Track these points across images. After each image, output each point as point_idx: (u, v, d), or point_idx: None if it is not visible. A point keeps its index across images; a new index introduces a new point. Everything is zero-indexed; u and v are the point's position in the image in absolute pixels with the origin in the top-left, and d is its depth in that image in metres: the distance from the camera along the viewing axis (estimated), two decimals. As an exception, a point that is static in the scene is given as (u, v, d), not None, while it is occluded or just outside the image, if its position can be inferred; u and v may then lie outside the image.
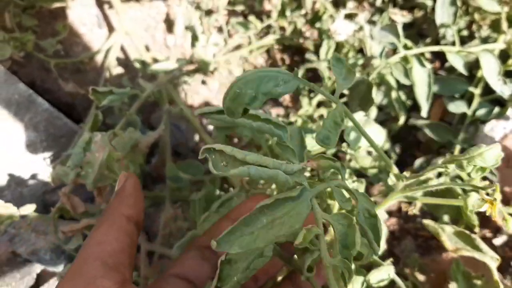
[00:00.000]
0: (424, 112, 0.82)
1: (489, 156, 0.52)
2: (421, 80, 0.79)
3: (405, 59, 0.80)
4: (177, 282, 0.50)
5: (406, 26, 1.29)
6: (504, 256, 1.09)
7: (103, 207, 1.02)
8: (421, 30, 1.25)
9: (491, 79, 0.78)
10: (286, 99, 1.32)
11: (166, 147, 1.09)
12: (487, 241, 1.10)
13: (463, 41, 1.12)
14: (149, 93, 0.90)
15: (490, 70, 0.78)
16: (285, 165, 0.40)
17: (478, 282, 0.85)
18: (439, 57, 1.24)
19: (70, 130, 1.11)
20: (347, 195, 0.46)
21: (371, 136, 0.91)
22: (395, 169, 0.53)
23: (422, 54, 0.80)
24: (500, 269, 1.07)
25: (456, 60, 0.79)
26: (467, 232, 0.68)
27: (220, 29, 1.32)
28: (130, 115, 0.90)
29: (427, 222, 0.71)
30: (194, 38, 1.06)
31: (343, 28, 1.07)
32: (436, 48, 0.81)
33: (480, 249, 0.69)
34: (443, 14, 0.95)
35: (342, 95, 1.18)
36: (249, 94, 0.44)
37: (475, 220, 0.70)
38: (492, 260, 0.69)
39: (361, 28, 1.06)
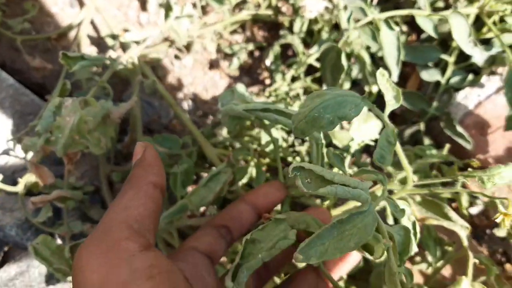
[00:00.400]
0: (394, 77, 0.81)
1: (507, 175, 0.60)
2: (390, 43, 0.78)
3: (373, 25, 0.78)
4: (196, 255, 0.52)
5: (382, 1, 1.28)
6: (480, 224, 1.09)
7: (72, 179, 1.00)
8: (398, 4, 1.24)
9: (462, 41, 0.77)
10: (264, 75, 1.31)
11: (137, 122, 1.07)
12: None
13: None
14: (120, 63, 0.87)
15: (460, 32, 0.77)
16: (361, 184, 0.44)
17: (450, 248, 0.84)
18: (415, 29, 1.23)
19: (37, 107, 1.09)
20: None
21: (370, 130, 0.91)
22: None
23: (392, 18, 0.79)
24: (476, 237, 1.08)
25: (426, 23, 0.78)
26: (437, 200, 0.67)
27: (194, 6, 1.29)
28: (102, 83, 0.88)
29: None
30: (168, 8, 1.03)
31: (314, 5, 1.06)
32: (405, 12, 0.80)
33: (449, 217, 0.68)
34: (416, -16, 0.94)
35: (315, 70, 1.17)
36: (327, 119, 0.46)
37: (466, 215, 0.77)
38: (461, 228, 0.69)
39: (334, 5, 1.05)
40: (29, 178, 0.93)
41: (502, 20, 1.00)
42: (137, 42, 1.05)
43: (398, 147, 0.57)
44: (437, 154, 0.90)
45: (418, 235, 0.64)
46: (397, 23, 1.19)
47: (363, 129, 0.91)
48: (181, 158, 1.03)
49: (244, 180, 0.96)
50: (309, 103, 0.48)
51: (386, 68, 0.87)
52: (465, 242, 0.72)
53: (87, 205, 1.03)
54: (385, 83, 0.54)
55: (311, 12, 1.01)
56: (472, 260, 0.70)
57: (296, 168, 0.43)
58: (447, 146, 0.92)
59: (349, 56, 1.13)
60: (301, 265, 0.65)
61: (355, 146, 0.89)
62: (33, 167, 0.84)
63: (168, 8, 1.04)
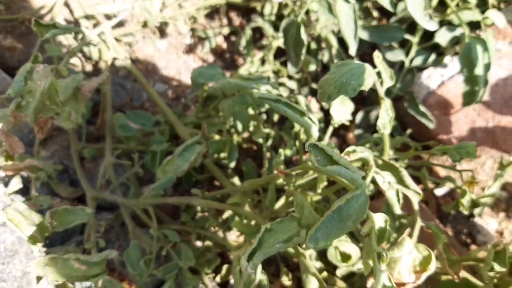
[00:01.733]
0: (352, 50, 0.83)
1: (472, 150, 0.74)
2: (346, 15, 0.80)
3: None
4: None
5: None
6: (446, 204, 1.10)
7: (44, 154, 1.02)
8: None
9: (416, 14, 0.79)
10: (237, 59, 1.33)
11: (107, 102, 1.09)
12: (430, 191, 1.11)
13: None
14: (93, 34, 0.89)
15: (415, 5, 0.80)
16: (358, 171, 0.52)
17: (405, 221, 0.86)
18: (386, 15, 1.25)
19: (9, 85, 1.10)
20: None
21: (346, 110, 0.95)
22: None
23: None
24: (441, 217, 1.09)
25: (382, -4, 0.80)
26: (397, 165, 0.69)
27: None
28: (74, 54, 0.90)
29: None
30: (140, -12, 1.06)
31: None
32: (362, -15, 0.82)
33: (404, 182, 0.69)
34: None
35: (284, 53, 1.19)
36: (353, 85, 0.53)
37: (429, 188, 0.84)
38: (414, 194, 0.70)
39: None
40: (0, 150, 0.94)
41: (464, 1, 1.02)
42: (109, 18, 1.06)
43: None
44: (400, 138, 0.93)
45: (401, 201, 0.68)
46: (367, 9, 1.22)
47: (341, 109, 0.94)
48: (154, 135, 1.05)
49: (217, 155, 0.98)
50: (335, 71, 0.55)
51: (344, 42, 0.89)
52: (416, 207, 0.73)
53: (56, 182, 1.04)
54: (380, 64, 0.61)
55: (278, -4, 1.03)
56: (419, 223, 0.71)
57: (311, 145, 0.52)
58: (408, 131, 0.94)
59: (318, 41, 1.15)
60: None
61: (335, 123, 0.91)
62: (4, 136, 0.85)
63: (140, -13, 1.06)
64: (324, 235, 0.52)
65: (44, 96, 0.78)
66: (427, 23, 0.84)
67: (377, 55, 0.65)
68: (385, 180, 0.61)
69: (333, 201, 0.83)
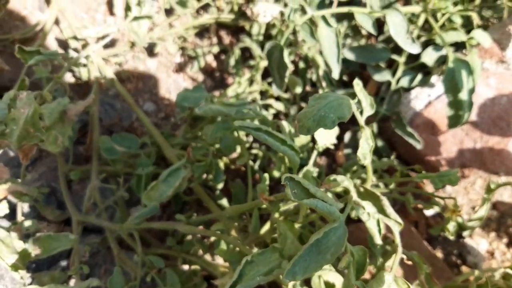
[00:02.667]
0: (335, 73, 0.83)
1: (454, 178, 0.75)
2: (328, 39, 0.80)
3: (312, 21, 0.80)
4: None
5: (344, 4, 1.31)
6: (435, 226, 1.09)
7: (29, 177, 1.02)
8: (360, 5, 1.26)
9: (399, 37, 0.79)
10: (227, 78, 1.33)
11: (95, 123, 1.09)
12: (419, 211, 1.10)
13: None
14: (77, 57, 0.89)
15: (397, 28, 0.80)
16: (336, 203, 0.53)
17: (389, 247, 0.85)
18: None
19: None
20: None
21: (330, 134, 0.95)
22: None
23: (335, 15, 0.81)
24: (431, 238, 1.08)
25: (364, 19, 0.81)
26: (378, 193, 0.68)
27: (159, 10, 1.32)
28: (58, 78, 0.90)
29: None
30: (127, 9, 1.06)
31: (266, 9, 1.08)
32: (345, 10, 0.82)
33: (385, 211, 0.69)
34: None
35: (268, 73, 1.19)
36: (331, 118, 0.54)
37: (412, 213, 0.84)
38: (395, 224, 0.69)
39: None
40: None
41: (450, 20, 1.02)
42: (96, 40, 1.07)
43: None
44: (386, 161, 0.93)
45: (382, 231, 0.67)
46: (356, 27, 1.22)
47: (325, 133, 0.94)
48: (140, 158, 1.05)
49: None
50: (313, 104, 0.55)
51: (351, 76, 0.89)
52: (397, 238, 0.73)
53: (42, 205, 1.04)
54: (360, 92, 0.61)
55: (265, 17, 1.04)
56: (399, 255, 0.70)
57: (287, 178, 0.53)
58: (393, 156, 0.94)
59: (306, 60, 1.15)
60: None
61: (320, 148, 0.91)
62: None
63: (127, 8, 1.06)
64: (302, 269, 0.52)
65: (28, 124, 0.78)
66: (410, 46, 0.84)
67: (357, 83, 0.64)
68: (365, 211, 0.61)
69: (319, 226, 0.83)
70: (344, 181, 0.64)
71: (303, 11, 0.86)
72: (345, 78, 1.20)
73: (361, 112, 0.64)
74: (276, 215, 0.74)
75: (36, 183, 1.11)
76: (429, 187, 1.10)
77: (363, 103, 0.64)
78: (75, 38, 1.20)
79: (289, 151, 0.68)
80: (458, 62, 0.85)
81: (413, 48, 0.83)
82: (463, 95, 0.85)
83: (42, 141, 0.82)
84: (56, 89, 1.20)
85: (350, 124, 1.20)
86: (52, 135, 0.90)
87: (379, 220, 0.66)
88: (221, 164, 1.03)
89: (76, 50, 1.24)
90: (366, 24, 0.84)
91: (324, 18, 0.82)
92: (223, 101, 0.77)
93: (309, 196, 0.54)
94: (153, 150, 1.08)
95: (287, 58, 0.85)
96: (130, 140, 1.07)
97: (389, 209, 0.67)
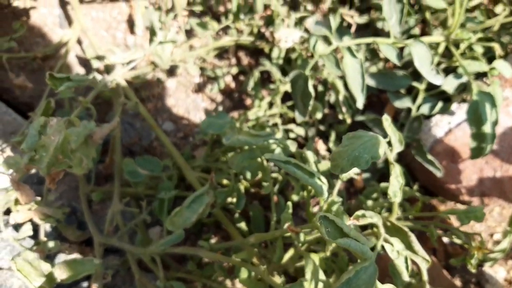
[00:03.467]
0: (359, 103, 0.84)
1: (480, 215, 0.76)
2: (353, 69, 0.81)
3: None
4: None
5: (362, 27, 1.32)
6: (454, 253, 1.09)
7: (52, 196, 1.03)
8: (377, 30, 1.27)
9: (423, 69, 0.80)
10: (246, 99, 1.34)
11: (117, 144, 1.10)
12: (438, 238, 1.10)
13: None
14: (104, 83, 0.91)
15: (422, 60, 0.81)
16: (367, 241, 0.54)
17: (413, 280, 0.85)
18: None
19: (20, 126, 1.12)
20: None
21: None
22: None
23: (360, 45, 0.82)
24: (449, 266, 1.08)
25: (389, 51, 0.82)
26: (406, 229, 0.69)
27: (179, 30, 1.33)
28: (86, 103, 0.91)
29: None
30: (153, 33, 1.08)
31: (288, 35, 1.10)
32: (369, 40, 0.83)
33: (413, 248, 0.69)
34: (390, 11, 0.97)
35: (289, 96, 1.20)
36: (365, 158, 0.55)
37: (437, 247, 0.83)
38: (422, 261, 0.70)
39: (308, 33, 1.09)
40: (9, 196, 0.95)
41: (471, 49, 1.02)
42: (122, 64, 1.08)
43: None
44: (409, 191, 0.93)
45: (410, 267, 0.67)
46: (374, 51, 1.23)
47: None
48: (162, 181, 1.06)
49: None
50: (347, 143, 0.57)
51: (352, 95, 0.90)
52: (425, 276, 0.73)
53: (64, 225, 1.05)
54: (389, 127, 0.62)
55: (286, 43, 1.05)
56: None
57: (322, 217, 0.54)
58: (415, 186, 0.94)
59: (325, 84, 1.16)
60: None
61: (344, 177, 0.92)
62: (15, 185, 0.87)
63: (152, 33, 1.08)
64: None
65: (58, 151, 0.79)
66: (434, 77, 0.84)
67: (385, 118, 0.65)
68: (394, 249, 0.61)
69: (342, 257, 0.84)
70: (374, 217, 0.65)
71: (327, 40, 0.87)
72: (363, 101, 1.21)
73: (391, 149, 0.65)
74: (300, 245, 0.74)
75: (57, 202, 1.12)
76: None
77: (392, 139, 0.65)
78: (97, 58, 1.22)
79: (317, 184, 0.69)
80: (482, 95, 0.86)
81: (437, 80, 0.84)
82: (487, 128, 0.85)
83: (70, 166, 0.83)
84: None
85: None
86: (77, 157, 0.91)
87: (407, 257, 0.66)
88: (242, 188, 1.04)
89: (98, 70, 1.26)
90: (391, 56, 0.85)
91: (349, 49, 0.83)
92: (249, 131, 0.78)
93: (343, 235, 0.54)
94: (174, 173, 1.09)
95: (312, 87, 0.86)
96: (153, 163, 1.08)
97: (417, 246, 0.68)
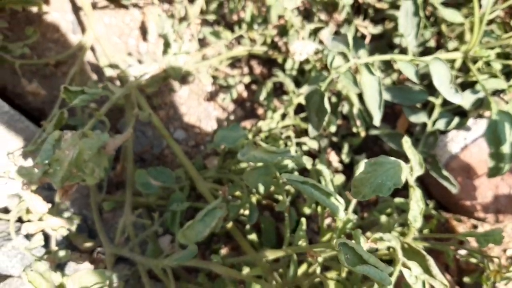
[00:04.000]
0: (376, 121, 0.83)
1: (498, 238, 0.75)
2: (371, 87, 0.80)
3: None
4: None
5: (376, 38, 1.31)
6: (467, 269, 1.08)
7: (65, 206, 1.03)
8: (391, 42, 1.26)
9: (442, 87, 0.79)
10: (258, 109, 1.33)
11: (129, 152, 1.10)
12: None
13: (430, 52, 1.13)
14: (118, 96, 0.91)
15: (441, 78, 0.80)
16: (386, 267, 0.53)
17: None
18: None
19: (32, 134, 1.12)
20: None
21: None
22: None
23: (373, 64, 0.81)
24: (461, 282, 1.07)
25: (408, 68, 0.81)
26: (423, 252, 0.68)
27: (192, 38, 1.33)
28: (100, 116, 0.91)
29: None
30: (167, 45, 1.08)
31: (303, 48, 1.09)
32: (387, 57, 0.82)
33: (431, 272, 0.69)
34: (406, 24, 0.97)
35: (301, 108, 1.19)
36: (388, 185, 0.55)
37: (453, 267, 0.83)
38: (440, 285, 0.69)
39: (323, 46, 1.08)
40: (22, 206, 0.95)
41: (488, 64, 1.01)
42: (135, 76, 1.08)
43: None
44: (425, 209, 0.93)
45: None
46: (388, 61, 1.22)
47: None
48: (173, 191, 1.05)
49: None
50: (369, 170, 0.57)
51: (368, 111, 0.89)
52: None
53: (75, 234, 1.05)
54: (409, 149, 0.61)
55: (301, 55, 1.04)
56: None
57: (341, 244, 0.54)
58: (431, 204, 0.93)
59: (339, 95, 1.15)
60: None
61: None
62: (29, 196, 0.87)
63: (166, 44, 1.07)
64: None
65: (72, 165, 0.79)
66: (453, 96, 0.83)
67: (405, 140, 0.65)
68: (412, 274, 0.61)
69: (356, 275, 0.83)
70: (391, 240, 0.64)
71: (344, 56, 0.87)
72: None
73: (411, 173, 0.64)
74: (317, 268, 0.73)
75: (68, 211, 1.12)
76: (460, 228, 1.09)
77: (413, 162, 0.64)
78: (110, 66, 1.22)
79: (335, 204, 0.68)
80: (501, 114, 0.85)
81: (457, 98, 0.83)
82: (506, 148, 0.84)
83: (84, 180, 0.83)
84: (90, 116, 1.22)
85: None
86: (89, 167, 0.91)
87: (425, 281, 0.65)
88: (254, 200, 1.04)
89: (111, 78, 1.25)
90: (409, 73, 0.84)
91: (367, 66, 0.83)
92: (265, 147, 0.78)
93: (362, 262, 0.54)
94: (186, 184, 1.09)
95: (327, 103, 0.85)
96: (165, 175, 1.08)
97: (435, 270, 0.67)
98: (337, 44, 0.84)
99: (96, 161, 0.93)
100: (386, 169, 0.54)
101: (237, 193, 1.04)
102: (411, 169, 0.64)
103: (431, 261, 0.66)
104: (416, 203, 0.61)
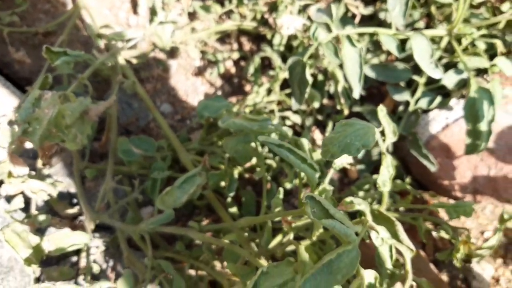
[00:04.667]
0: (356, 93, 0.83)
1: (469, 210, 0.76)
2: (352, 59, 0.81)
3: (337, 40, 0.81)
4: None
5: (366, 19, 1.31)
6: (443, 247, 1.10)
7: (47, 172, 1.03)
8: (381, 22, 1.26)
9: (422, 61, 0.80)
10: (245, 85, 1.33)
11: (113, 122, 1.10)
12: (427, 232, 1.10)
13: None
14: (102, 61, 0.90)
15: (421, 53, 0.80)
16: (353, 226, 0.54)
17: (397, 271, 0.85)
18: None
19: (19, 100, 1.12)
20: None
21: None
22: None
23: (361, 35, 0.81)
24: (437, 261, 1.08)
25: (389, 41, 0.81)
26: (393, 218, 0.69)
27: (182, 13, 1.32)
28: (83, 79, 0.91)
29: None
30: (153, 13, 1.07)
31: (290, 22, 1.09)
32: (370, 30, 0.82)
33: (398, 237, 0.69)
34: (395, 3, 0.96)
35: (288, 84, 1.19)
36: (356, 146, 0.55)
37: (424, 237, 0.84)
38: (407, 250, 0.70)
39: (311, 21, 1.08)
40: (3, 168, 0.95)
41: (474, 45, 1.01)
42: (121, 42, 1.08)
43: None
44: (400, 184, 0.93)
45: (394, 257, 0.68)
46: (377, 42, 1.22)
47: None
48: (155, 160, 1.05)
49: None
50: (340, 130, 0.57)
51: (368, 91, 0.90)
52: (408, 265, 0.73)
53: (56, 200, 1.05)
54: (383, 118, 0.61)
55: (288, 29, 1.04)
56: (409, 282, 0.71)
57: (309, 197, 0.54)
58: (407, 179, 0.94)
59: (325, 73, 1.16)
60: None
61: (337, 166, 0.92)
62: (9, 157, 0.87)
63: (153, 12, 1.07)
64: (312, 287, 0.53)
65: (51, 124, 0.79)
66: (433, 71, 0.84)
67: (381, 109, 0.65)
68: (379, 236, 0.61)
69: (330, 244, 0.84)
70: (361, 204, 0.65)
71: (328, 27, 0.87)
72: (363, 93, 1.20)
73: (384, 139, 0.64)
74: (291, 235, 0.74)
75: (51, 177, 1.12)
76: (441, 211, 1.10)
77: (386, 130, 0.64)
78: (98, 36, 1.21)
79: (309, 169, 0.69)
80: (480, 91, 0.85)
81: (436, 73, 0.83)
82: (483, 126, 0.85)
83: (63, 141, 0.83)
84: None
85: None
86: (71, 133, 0.91)
87: (392, 246, 0.66)
88: (235, 173, 1.04)
89: (99, 49, 1.25)
90: (391, 46, 0.84)
91: (349, 37, 0.83)
92: (246, 115, 0.78)
93: (328, 217, 0.54)
94: (168, 154, 1.09)
95: (309, 75, 0.86)
96: (148, 143, 1.08)
97: (403, 235, 0.68)
98: (321, 15, 0.84)
99: (79, 127, 0.94)
100: (355, 129, 0.54)
101: (220, 165, 1.04)
102: (384, 135, 0.64)
103: (399, 227, 0.67)
104: (386, 169, 0.62)
